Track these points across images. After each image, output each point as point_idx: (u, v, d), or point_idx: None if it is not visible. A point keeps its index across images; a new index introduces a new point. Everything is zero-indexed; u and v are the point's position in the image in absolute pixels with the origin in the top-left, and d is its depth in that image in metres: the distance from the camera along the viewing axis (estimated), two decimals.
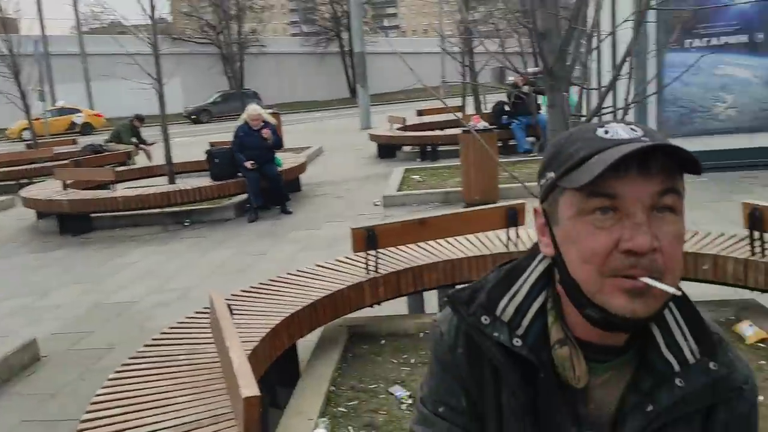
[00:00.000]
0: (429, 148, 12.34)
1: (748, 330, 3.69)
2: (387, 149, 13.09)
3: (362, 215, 8.25)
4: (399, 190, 9.32)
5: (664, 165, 0.80)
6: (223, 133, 16.07)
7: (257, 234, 7.88)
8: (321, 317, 3.84)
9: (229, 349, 2.33)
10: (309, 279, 4.17)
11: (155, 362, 3.01)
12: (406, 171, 10.63)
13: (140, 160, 13.14)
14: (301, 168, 10.04)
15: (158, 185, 9.37)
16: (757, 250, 3.73)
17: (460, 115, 13.70)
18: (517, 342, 0.91)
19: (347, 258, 4.50)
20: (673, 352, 0.90)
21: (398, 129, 13.65)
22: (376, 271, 4.17)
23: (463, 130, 8.36)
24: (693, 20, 8.48)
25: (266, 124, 8.62)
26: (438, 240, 4.65)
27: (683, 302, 0.93)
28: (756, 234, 3.72)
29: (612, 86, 2.76)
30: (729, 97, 8.75)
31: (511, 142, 11.81)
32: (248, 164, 8.42)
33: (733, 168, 8.57)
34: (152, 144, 13.64)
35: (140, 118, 14.09)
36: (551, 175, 0.87)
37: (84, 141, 16.20)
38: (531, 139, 11.72)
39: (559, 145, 0.88)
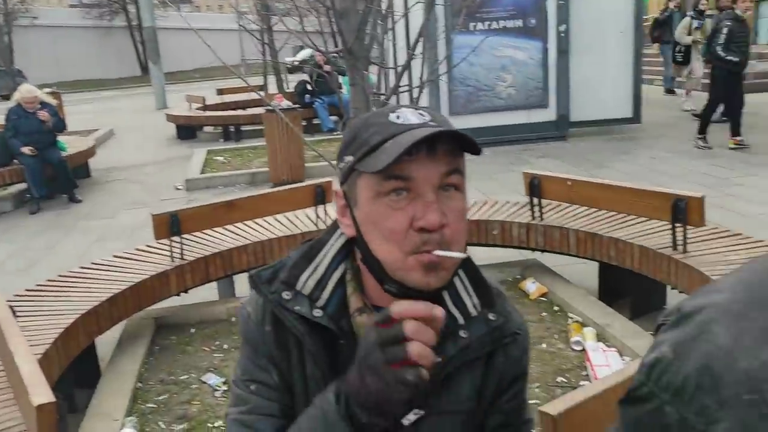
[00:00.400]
0: (232, 129, 12.00)
1: (531, 286, 4.13)
2: (187, 130, 12.48)
3: (164, 200, 7.81)
4: (202, 172, 8.96)
5: (449, 148, 0.87)
6: None
7: (42, 226, 7.11)
8: (122, 311, 3.59)
9: (14, 354, 2.08)
10: (106, 272, 3.87)
11: None
12: (208, 152, 10.24)
13: None
14: (90, 152, 9.22)
15: None
16: (537, 214, 4.17)
17: (262, 94, 13.48)
18: (318, 312, 0.96)
19: (149, 246, 4.24)
20: (459, 307, 0.99)
21: (198, 109, 13.07)
22: (181, 258, 3.98)
23: (267, 110, 8.25)
24: (476, 5, 9.15)
25: (44, 105, 7.76)
26: (246, 222, 4.55)
27: (467, 264, 1.02)
28: (535, 200, 4.14)
29: (408, 66, 2.88)
30: (508, 77, 9.59)
31: (315, 121, 11.89)
32: (26, 150, 7.53)
33: (515, 142, 9.47)
34: None
35: None
36: (350, 158, 0.91)
37: None
38: (334, 117, 11.89)
39: (356, 130, 0.91)
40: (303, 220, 4.65)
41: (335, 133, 11.34)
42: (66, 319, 3.16)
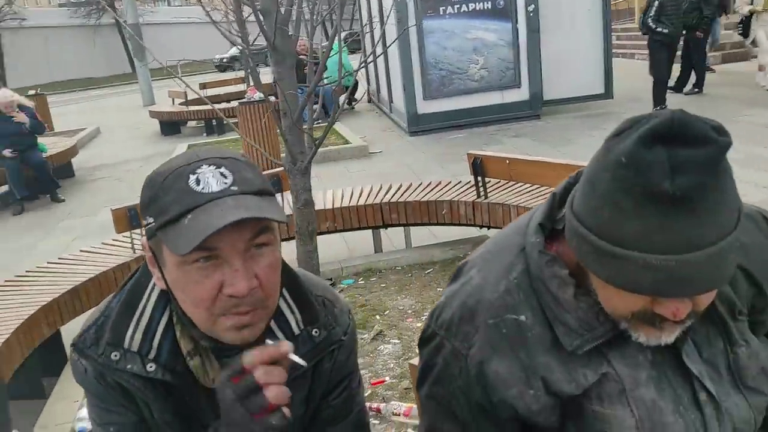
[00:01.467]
0: (214, 122, 12.16)
1: None
2: (171, 126, 12.64)
3: None
4: None
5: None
6: None
7: (24, 227, 7.32)
8: (85, 302, 3.78)
9: None
10: (72, 266, 4.07)
11: None
12: (189, 147, 10.40)
13: None
14: (72, 152, 9.40)
15: None
16: (482, 193, 4.35)
17: (202, 93, 13.62)
18: (151, 367, 0.98)
19: (114, 240, 4.43)
20: (282, 328, 1.04)
21: (180, 104, 13.23)
22: (142, 250, 4.18)
23: (240, 103, 8.41)
24: None
25: (22, 108, 7.93)
26: None
27: (290, 281, 1.05)
28: (479, 180, 4.32)
29: (326, 59, 3.04)
30: (480, 59, 9.72)
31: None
32: (7, 153, 7.72)
33: (489, 123, 9.62)
34: None
35: None
36: (151, 221, 0.90)
37: None
38: (317, 106, 12.02)
39: (155, 189, 0.90)
40: None
41: (318, 122, 11.49)
42: (27, 310, 3.36)
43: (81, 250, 4.32)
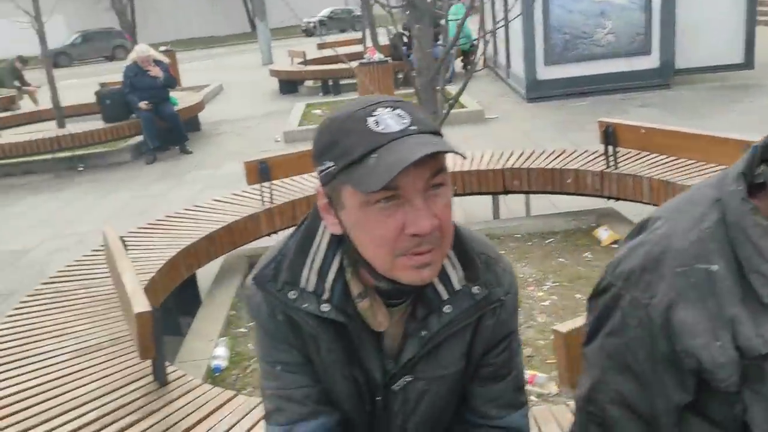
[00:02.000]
0: (331, 82, 12.35)
1: (604, 234, 4.17)
2: (289, 85, 12.99)
3: (264, 152, 8.28)
4: (300, 125, 9.38)
5: (434, 154, 0.87)
6: (85, 77, 15.25)
7: (156, 176, 7.81)
8: (218, 248, 4.01)
9: (122, 274, 2.48)
10: (206, 213, 4.30)
11: (53, 298, 3.11)
12: (307, 106, 10.66)
13: (24, 105, 12.44)
14: (199, 106, 9.88)
15: (47, 130, 9.00)
16: (611, 163, 4.17)
17: (361, 47, 13.72)
18: (325, 307, 1.02)
19: (243, 191, 4.64)
20: (443, 282, 1.04)
21: (299, 63, 13.52)
22: (270, 202, 4.35)
23: (359, 63, 8.47)
24: None
25: (157, 63, 8.40)
26: None
27: (456, 237, 1.04)
28: (609, 149, 4.14)
29: (465, 18, 2.98)
30: (608, 23, 9.24)
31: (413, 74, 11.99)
32: (142, 105, 8.23)
33: (614, 91, 9.18)
34: (37, 87, 12.91)
35: (22, 60, 13.24)
36: (330, 164, 0.91)
37: None
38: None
39: (333, 134, 0.92)
40: None
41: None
42: (169, 253, 3.61)
43: (213, 199, 4.55)
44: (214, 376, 3.12)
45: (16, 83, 12.88)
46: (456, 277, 1.06)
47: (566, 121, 8.05)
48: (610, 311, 0.99)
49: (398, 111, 0.90)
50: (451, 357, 1.09)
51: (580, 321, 1.80)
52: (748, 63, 9.27)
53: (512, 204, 4.99)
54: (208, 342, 3.38)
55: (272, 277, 1.05)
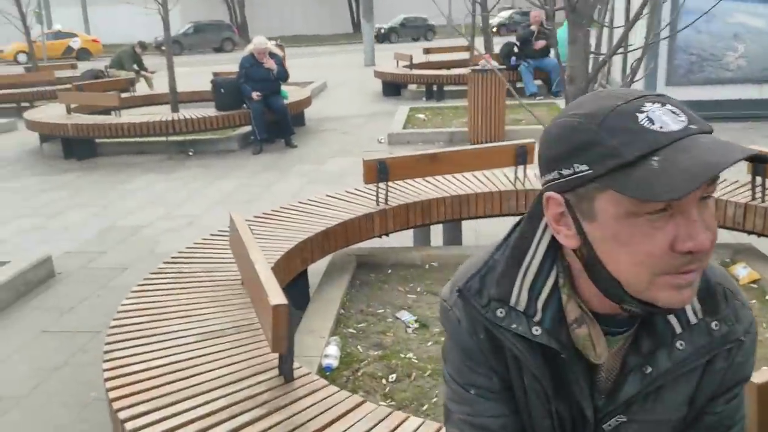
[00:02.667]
0: (435, 88, 12.26)
1: (742, 272, 3.83)
2: (392, 87, 13.00)
3: (367, 152, 8.28)
4: (404, 128, 9.33)
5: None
6: (195, 66, 15.72)
7: (262, 166, 7.94)
8: (332, 244, 3.96)
9: (255, 262, 2.44)
10: (320, 208, 4.27)
11: (175, 278, 3.13)
12: (411, 110, 10.60)
13: (140, 88, 13.03)
14: (307, 102, 10.01)
15: (162, 113, 9.35)
16: (758, 194, 3.83)
17: (476, 53, 13.55)
18: (537, 331, 0.91)
19: (357, 189, 4.59)
20: (677, 314, 0.91)
21: (404, 67, 13.51)
22: (386, 203, 4.27)
23: (472, 69, 8.32)
24: None
25: (272, 55, 8.56)
26: (446, 175, 4.74)
27: None
28: (758, 180, 3.81)
29: (633, 24, 2.79)
30: (740, 46, 8.67)
31: (519, 85, 11.72)
32: (254, 95, 8.40)
33: (741, 119, 8.59)
34: (153, 72, 13.50)
35: (143, 45, 13.88)
36: (584, 168, 0.79)
37: (83, 66, 15.99)
38: (538, 82, 11.64)
39: (590, 132, 0.78)
40: (501, 179, 4.72)
41: (538, 98, 11.12)
42: (287, 244, 3.58)
43: (327, 195, 4.52)
44: (325, 375, 3.04)
45: (135, 67, 13.50)
46: (691, 309, 0.92)
47: None
48: None
49: (669, 107, 0.78)
50: (674, 401, 0.95)
51: None
52: None
53: None
54: (319, 339, 3.32)
55: (477, 292, 0.94)
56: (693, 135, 0.76)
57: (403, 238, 4.75)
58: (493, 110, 8.15)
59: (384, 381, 3.04)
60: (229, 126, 8.86)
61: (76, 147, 8.67)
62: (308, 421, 2.02)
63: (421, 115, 10.24)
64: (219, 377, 2.24)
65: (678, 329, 0.91)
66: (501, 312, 0.92)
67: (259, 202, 6.27)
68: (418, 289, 4.04)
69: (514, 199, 4.49)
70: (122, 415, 2.04)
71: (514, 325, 0.91)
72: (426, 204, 4.39)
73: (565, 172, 0.81)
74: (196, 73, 16.11)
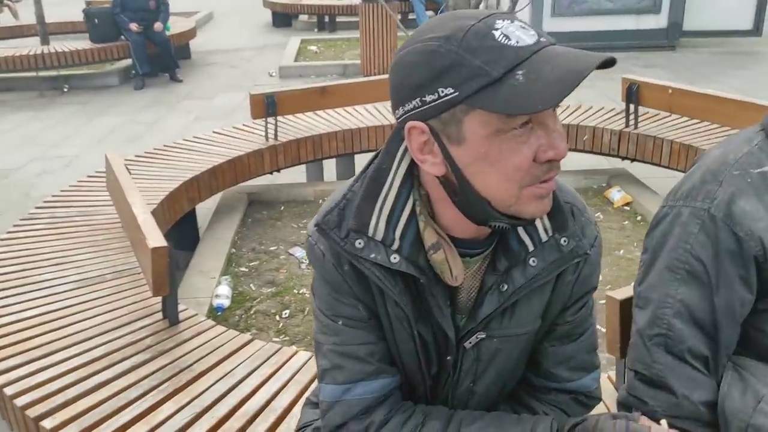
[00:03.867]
0: (327, 18, 11.93)
1: (616, 195, 4.08)
2: (282, 17, 12.52)
3: (258, 86, 8.01)
4: (296, 60, 9.07)
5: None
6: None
7: (146, 102, 7.50)
8: (221, 183, 3.84)
9: (132, 205, 2.32)
10: (207, 145, 4.11)
11: (50, 223, 2.94)
12: (302, 41, 10.30)
13: (3, 19, 11.83)
14: (191, 33, 9.46)
15: (30, 46, 8.56)
16: (631, 122, 4.05)
17: None
18: (395, 258, 0.91)
19: (246, 125, 4.45)
20: (529, 232, 0.95)
21: None
22: (275, 139, 4.17)
23: (363, 0, 8.13)
24: None
25: None
26: (338, 109, 4.67)
27: None
28: (631, 107, 4.01)
29: None
30: None
31: (411, 17, 11.63)
32: (133, 26, 7.84)
33: (617, 49, 8.97)
34: (17, 0, 12.24)
35: None
36: (450, 91, 0.77)
37: None
38: (430, 13, 11.58)
39: (451, 55, 0.77)
40: None
41: None
42: (171, 184, 3.43)
43: (215, 132, 4.35)
44: (216, 316, 3.00)
45: None
46: (542, 227, 0.95)
47: None
48: (670, 230, 1.10)
49: (518, 23, 0.78)
50: (529, 315, 0.99)
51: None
52: (757, 30, 9.14)
53: None
54: (210, 279, 3.25)
55: (336, 224, 0.94)
56: (546, 47, 0.77)
57: (296, 174, 4.68)
58: (385, 42, 8.05)
59: (277, 318, 3.04)
60: (106, 59, 8.25)
61: None
62: (194, 362, 1.99)
63: (313, 47, 9.98)
64: (98, 324, 2.15)
65: (531, 247, 0.95)
66: (360, 243, 0.92)
67: (143, 141, 5.95)
68: None
69: (370, 162, 4.49)
70: None
71: (372, 255, 0.92)
72: (317, 139, 4.33)
73: (428, 98, 0.79)
74: (68, 1, 14.77)
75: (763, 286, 1.07)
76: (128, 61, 8.27)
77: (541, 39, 0.77)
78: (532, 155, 0.80)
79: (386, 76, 3.88)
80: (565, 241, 0.96)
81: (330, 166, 4.76)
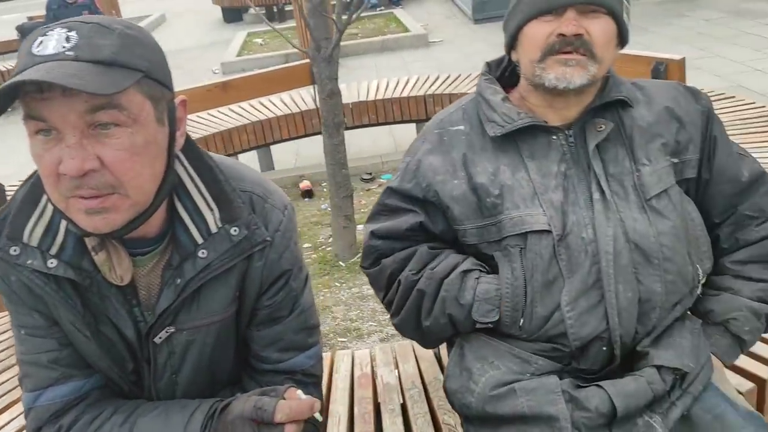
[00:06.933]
0: (275, 9, 11.85)
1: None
2: (232, 12, 12.43)
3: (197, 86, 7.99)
4: (238, 55, 9.05)
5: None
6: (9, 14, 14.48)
7: None
8: None
9: None
10: None
11: None
12: (249, 35, 10.27)
13: None
14: None
15: None
16: None
17: None
18: (52, 263, 0.93)
19: None
20: (198, 224, 0.97)
21: None
22: None
23: None
24: None
25: None
26: (251, 101, 4.67)
27: (207, 176, 0.99)
28: None
29: None
30: None
31: None
32: None
33: None
34: None
35: None
36: None
37: None
38: None
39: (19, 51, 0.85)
40: (305, 98, 4.70)
41: (378, 9, 11.05)
42: None
43: None
44: None
45: None
46: (212, 218, 0.97)
47: None
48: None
49: (71, 33, 0.81)
50: (215, 304, 1.01)
51: None
52: None
53: None
54: None
55: None
56: (61, 60, 0.79)
57: None
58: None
59: None
60: None
61: None
62: None
63: (259, 40, 9.94)
64: None
65: (200, 239, 0.97)
66: (15, 250, 0.94)
67: None
68: None
69: (316, 117, 4.50)
70: None
71: (30, 261, 0.93)
72: (226, 134, 4.34)
73: None
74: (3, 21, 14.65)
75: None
76: None
77: (67, 53, 0.79)
78: (54, 164, 0.82)
79: (288, 64, 3.84)
80: (235, 230, 0.97)
81: (248, 160, 4.77)
